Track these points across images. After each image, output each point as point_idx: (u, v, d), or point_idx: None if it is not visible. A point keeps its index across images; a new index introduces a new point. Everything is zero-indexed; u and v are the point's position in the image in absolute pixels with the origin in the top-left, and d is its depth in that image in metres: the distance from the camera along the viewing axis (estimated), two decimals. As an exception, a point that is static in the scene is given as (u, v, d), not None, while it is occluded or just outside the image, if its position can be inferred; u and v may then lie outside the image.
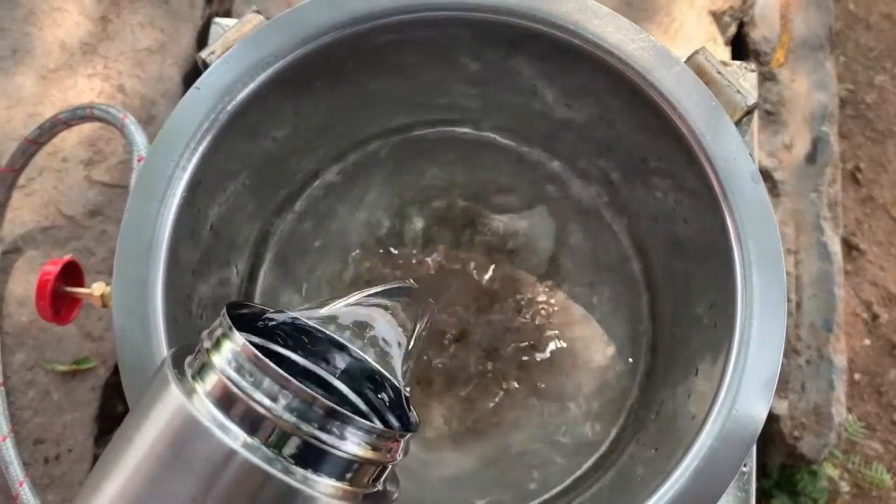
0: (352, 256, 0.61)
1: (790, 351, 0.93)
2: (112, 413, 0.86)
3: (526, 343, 0.60)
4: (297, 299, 0.60)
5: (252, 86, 0.47)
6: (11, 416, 0.81)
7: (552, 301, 0.61)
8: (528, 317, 0.61)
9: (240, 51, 0.48)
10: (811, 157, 0.96)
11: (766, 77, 0.98)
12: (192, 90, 0.47)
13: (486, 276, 0.62)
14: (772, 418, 0.91)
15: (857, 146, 1.21)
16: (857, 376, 1.13)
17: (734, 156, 0.45)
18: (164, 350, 0.44)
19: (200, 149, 0.46)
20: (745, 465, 0.57)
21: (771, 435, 0.92)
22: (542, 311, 0.61)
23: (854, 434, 1.02)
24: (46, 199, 0.88)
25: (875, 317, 1.14)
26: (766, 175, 0.96)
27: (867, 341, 1.15)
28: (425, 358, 0.60)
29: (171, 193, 0.46)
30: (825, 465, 0.98)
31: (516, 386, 0.59)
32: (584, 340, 0.60)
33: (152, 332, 0.44)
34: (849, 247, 1.16)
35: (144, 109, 0.91)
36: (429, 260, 0.62)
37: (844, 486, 1.03)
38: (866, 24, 1.24)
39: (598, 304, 0.60)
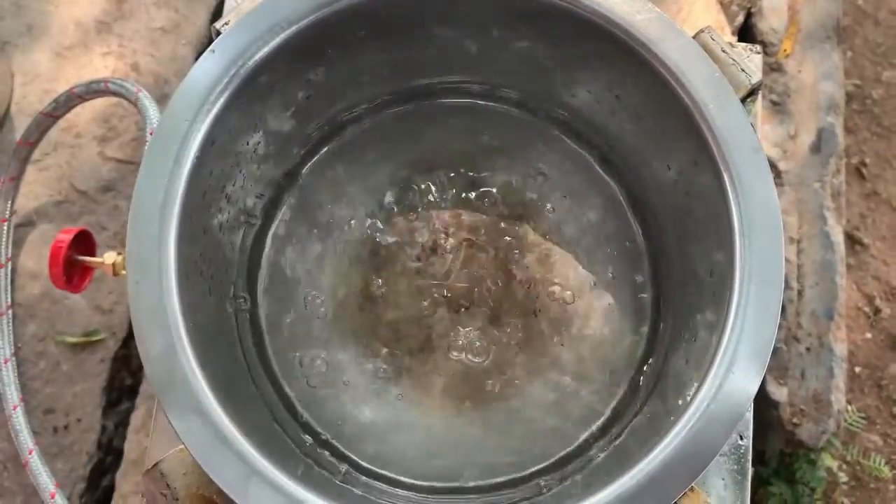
0: (358, 219, 0.62)
1: (790, 338, 0.93)
2: (121, 385, 0.87)
3: (529, 310, 0.61)
4: (301, 271, 0.61)
5: (265, 50, 0.48)
6: (22, 386, 0.83)
7: (556, 269, 0.62)
8: (531, 285, 0.62)
9: (254, 17, 0.49)
10: (816, 148, 0.97)
11: (773, 68, 0.99)
12: (206, 53, 0.48)
13: (491, 243, 0.63)
14: (771, 405, 0.92)
15: (862, 141, 1.22)
16: (857, 369, 1.13)
17: (736, 126, 0.46)
18: (176, 306, 0.45)
19: (214, 110, 0.47)
20: (741, 438, 0.58)
21: (770, 421, 0.93)
22: (547, 280, 0.62)
23: (854, 425, 1.02)
24: (60, 174, 0.90)
25: (877, 311, 1.14)
26: (771, 165, 0.96)
27: (868, 335, 1.15)
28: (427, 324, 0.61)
29: (184, 154, 0.47)
30: (824, 455, 0.99)
31: (518, 353, 0.60)
32: (587, 308, 0.61)
33: (164, 288, 0.45)
34: (852, 241, 1.16)
35: (158, 88, 0.92)
36: (435, 223, 0.63)
37: (843, 477, 1.03)
38: (875, 20, 1.24)
39: (601, 273, 0.61)
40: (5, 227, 0.84)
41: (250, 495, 0.42)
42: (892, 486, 1.07)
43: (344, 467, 0.56)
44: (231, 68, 0.48)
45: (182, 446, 0.50)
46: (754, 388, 0.44)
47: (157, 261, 0.45)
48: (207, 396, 0.43)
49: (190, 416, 0.43)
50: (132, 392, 0.87)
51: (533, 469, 0.55)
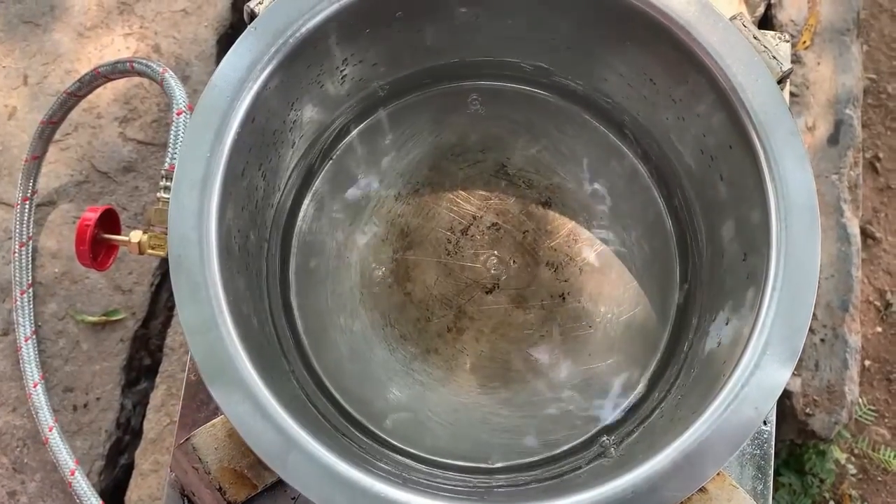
0: (389, 199, 0.63)
1: (805, 329, 0.94)
2: (139, 364, 0.87)
3: (557, 292, 0.61)
4: (331, 250, 0.62)
5: (306, 28, 0.49)
6: (42, 364, 0.83)
7: (584, 253, 0.62)
8: (559, 267, 0.62)
9: (295, -5, 0.49)
10: (833, 140, 0.97)
11: (791, 60, 0.99)
12: (248, 29, 0.48)
13: (518, 226, 0.63)
14: (784, 395, 0.92)
15: (876, 135, 1.22)
16: (867, 363, 1.14)
17: (773, 109, 0.47)
18: (217, 280, 0.46)
19: (255, 87, 0.48)
20: (765, 424, 0.59)
21: (783, 411, 0.93)
22: (574, 263, 0.62)
23: (863, 418, 1.03)
24: (81, 154, 0.90)
25: (888, 305, 1.14)
26: (788, 157, 0.96)
27: (879, 329, 1.15)
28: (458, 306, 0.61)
29: (226, 130, 0.47)
30: (833, 447, 0.99)
31: (546, 335, 0.61)
32: (615, 291, 0.61)
33: (206, 262, 0.46)
34: (865, 235, 1.16)
35: (179, 70, 0.92)
36: (464, 205, 0.64)
37: (851, 469, 1.04)
38: (891, 14, 1.24)
39: (630, 256, 0.62)
40: (27, 206, 0.84)
41: (289, 466, 0.43)
42: (900, 479, 1.07)
43: (372, 443, 0.56)
44: (272, 46, 0.48)
45: (213, 422, 0.51)
46: (788, 372, 0.44)
47: (199, 235, 0.45)
48: (248, 370, 0.44)
49: (231, 389, 0.43)
50: (150, 372, 0.87)
51: (562, 449, 0.56)
